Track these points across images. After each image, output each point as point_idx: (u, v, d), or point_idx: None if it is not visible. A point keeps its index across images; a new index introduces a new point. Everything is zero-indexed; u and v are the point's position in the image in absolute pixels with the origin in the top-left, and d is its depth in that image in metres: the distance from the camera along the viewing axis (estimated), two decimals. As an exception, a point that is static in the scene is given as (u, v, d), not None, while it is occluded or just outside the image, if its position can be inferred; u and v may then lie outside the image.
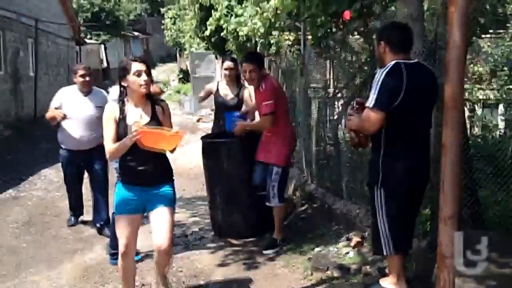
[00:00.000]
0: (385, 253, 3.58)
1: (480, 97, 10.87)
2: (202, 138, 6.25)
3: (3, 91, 14.25)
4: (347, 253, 4.55)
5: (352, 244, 4.63)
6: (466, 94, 10.50)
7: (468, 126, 10.64)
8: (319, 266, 4.45)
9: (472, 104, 10.57)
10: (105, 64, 31.74)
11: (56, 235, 6.35)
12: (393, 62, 3.41)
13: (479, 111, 10.83)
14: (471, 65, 10.27)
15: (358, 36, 6.00)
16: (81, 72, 5.95)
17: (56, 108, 5.97)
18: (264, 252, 5.19)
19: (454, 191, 2.73)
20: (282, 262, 4.95)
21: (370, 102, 3.38)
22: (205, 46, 15.73)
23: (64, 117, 5.89)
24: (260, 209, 5.47)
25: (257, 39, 9.67)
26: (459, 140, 2.73)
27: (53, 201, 8.07)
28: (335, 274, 4.27)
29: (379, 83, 3.35)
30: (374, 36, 5.02)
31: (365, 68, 5.74)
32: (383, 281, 3.64)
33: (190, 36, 17.20)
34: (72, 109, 5.93)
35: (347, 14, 5.25)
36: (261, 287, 4.42)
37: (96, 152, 5.95)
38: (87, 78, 5.99)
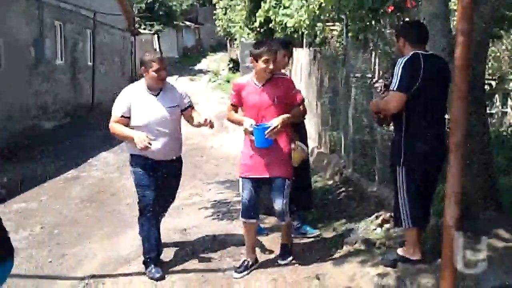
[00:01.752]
0: (403, 226, 4.02)
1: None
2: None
3: (63, 80, 15.16)
4: (375, 229, 4.98)
5: (380, 221, 5.06)
6: (511, 85, 10.64)
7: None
8: (348, 241, 4.92)
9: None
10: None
11: (113, 211, 7.03)
12: (412, 52, 3.86)
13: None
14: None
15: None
16: (156, 65, 4.55)
17: (123, 117, 4.60)
18: (281, 262, 4.74)
19: (458, 170, 3.12)
20: (316, 236, 5.42)
21: (394, 85, 3.83)
22: (254, 37, 16.19)
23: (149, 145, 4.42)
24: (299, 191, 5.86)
25: (303, 30, 10.10)
26: (464, 126, 3.12)
27: (110, 181, 8.79)
28: (362, 248, 4.71)
29: (400, 69, 3.80)
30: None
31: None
32: (400, 251, 4.07)
33: (240, 27, 17.70)
34: (142, 115, 4.60)
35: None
36: (296, 256, 4.87)
37: (175, 163, 4.91)
38: (163, 74, 4.62)
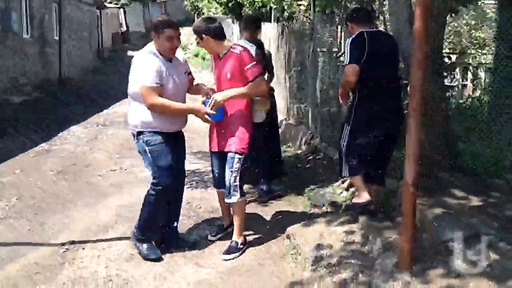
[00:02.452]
0: (343, 175, 4.65)
1: (483, 61, 11.33)
2: None
3: (31, 55, 15.03)
4: (341, 192, 5.34)
5: (345, 185, 5.41)
6: (470, 59, 11.08)
7: (471, 89, 11.27)
8: (317, 203, 5.27)
9: (475, 69, 11.12)
10: (124, 28, 32.39)
11: (88, 182, 7.19)
12: (358, 31, 4.39)
13: (482, 74, 11.36)
14: (473, 31, 10.79)
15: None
16: (168, 32, 4.26)
17: (158, 85, 4.23)
18: (224, 257, 4.56)
19: (416, 133, 3.43)
20: (287, 201, 5.78)
21: (346, 60, 4.34)
22: (223, 11, 16.29)
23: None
24: (271, 160, 6.16)
25: (271, 5, 10.29)
26: (421, 92, 3.42)
27: (82, 153, 8.90)
28: (329, 209, 5.06)
29: (349, 45, 4.36)
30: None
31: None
32: (354, 199, 4.51)
33: (208, 1, 17.74)
34: (170, 83, 4.34)
35: None
36: (268, 220, 5.20)
37: (181, 135, 4.79)
38: (176, 44, 4.36)
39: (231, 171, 4.48)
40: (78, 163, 8.25)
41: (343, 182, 5.52)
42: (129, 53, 28.03)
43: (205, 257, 4.60)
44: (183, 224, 5.31)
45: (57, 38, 17.64)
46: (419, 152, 3.46)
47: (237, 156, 4.47)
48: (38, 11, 15.75)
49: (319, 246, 4.23)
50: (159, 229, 4.71)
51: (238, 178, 4.48)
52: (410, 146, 3.45)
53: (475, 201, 4.26)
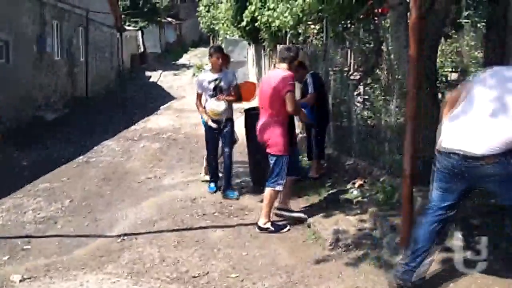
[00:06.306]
0: None
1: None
2: (245, 110, 7.79)
3: (62, 75, 16.19)
4: (352, 191, 6.25)
5: (356, 185, 6.33)
6: (471, 77, 11.93)
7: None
8: (331, 200, 6.15)
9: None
10: (142, 49, 33.66)
11: (130, 186, 8.16)
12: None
13: None
14: (473, 51, 11.68)
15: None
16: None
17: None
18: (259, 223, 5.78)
19: (411, 135, 4.34)
20: (305, 200, 6.69)
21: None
22: (239, 34, 17.29)
23: None
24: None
25: (287, 30, 11.28)
26: (414, 104, 4.33)
27: (120, 163, 9.88)
28: (343, 205, 5.96)
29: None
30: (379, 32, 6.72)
31: (371, 56, 7.38)
32: None
33: (226, 25, 18.75)
34: None
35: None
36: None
37: None
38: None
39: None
40: (117, 171, 9.21)
41: (353, 183, 6.44)
42: (147, 73, 29.24)
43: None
44: (218, 217, 6.27)
45: (83, 59, 18.78)
46: (414, 150, 4.37)
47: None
48: (67, 35, 16.92)
49: (336, 230, 5.14)
50: None
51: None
52: (407, 145, 4.37)
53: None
